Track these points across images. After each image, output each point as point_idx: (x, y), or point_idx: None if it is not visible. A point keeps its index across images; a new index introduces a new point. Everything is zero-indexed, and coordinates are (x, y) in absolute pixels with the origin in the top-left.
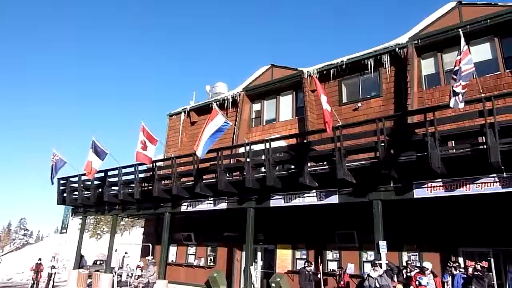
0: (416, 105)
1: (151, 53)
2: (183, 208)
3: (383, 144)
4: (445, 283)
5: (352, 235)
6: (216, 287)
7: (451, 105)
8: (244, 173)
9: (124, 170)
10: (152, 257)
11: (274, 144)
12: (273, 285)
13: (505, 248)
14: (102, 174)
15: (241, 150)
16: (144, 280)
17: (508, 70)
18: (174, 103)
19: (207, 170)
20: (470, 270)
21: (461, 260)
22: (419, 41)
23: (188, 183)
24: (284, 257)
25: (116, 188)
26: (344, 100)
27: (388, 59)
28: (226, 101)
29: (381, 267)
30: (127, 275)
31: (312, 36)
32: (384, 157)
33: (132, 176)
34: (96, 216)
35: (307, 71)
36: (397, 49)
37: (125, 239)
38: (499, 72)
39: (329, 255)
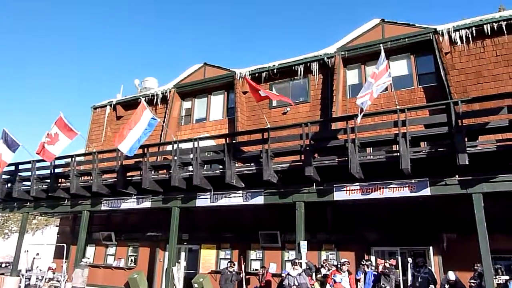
0: (340, 112)
1: (76, 44)
2: (104, 206)
3: (307, 148)
4: (358, 280)
5: (275, 235)
6: None
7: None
8: (171, 171)
9: (38, 164)
10: (88, 258)
11: (203, 143)
12: (196, 285)
13: (409, 247)
14: (13, 168)
15: (169, 148)
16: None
17: (420, 86)
18: (99, 96)
19: (131, 167)
20: (380, 267)
21: (373, 258)
22: (346, 53)
23: (110, 180)
24: (208, 257)
25: (28, 183)
26: (274, 103)
27: (317, 67)
28: (155, 97)
29: (300, 266)
30: (37, 278)
31: (246, 37)
32: (308, 160)
33: (47, 171)
34: (3, 214)
35: (240, 72)
36: (325, 58)
37: (37, 239)
38: (413, 87)
39: (253, 255)
